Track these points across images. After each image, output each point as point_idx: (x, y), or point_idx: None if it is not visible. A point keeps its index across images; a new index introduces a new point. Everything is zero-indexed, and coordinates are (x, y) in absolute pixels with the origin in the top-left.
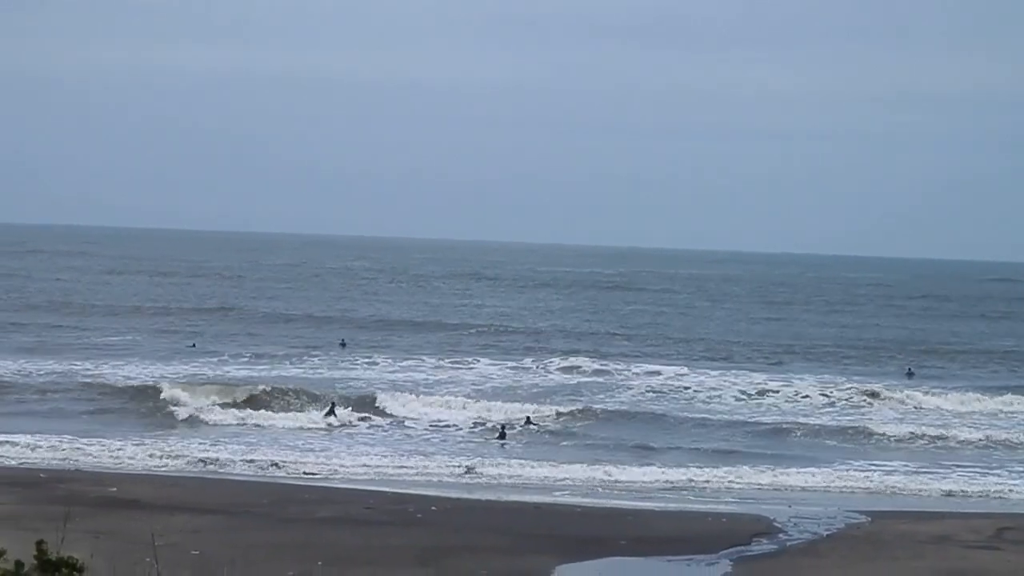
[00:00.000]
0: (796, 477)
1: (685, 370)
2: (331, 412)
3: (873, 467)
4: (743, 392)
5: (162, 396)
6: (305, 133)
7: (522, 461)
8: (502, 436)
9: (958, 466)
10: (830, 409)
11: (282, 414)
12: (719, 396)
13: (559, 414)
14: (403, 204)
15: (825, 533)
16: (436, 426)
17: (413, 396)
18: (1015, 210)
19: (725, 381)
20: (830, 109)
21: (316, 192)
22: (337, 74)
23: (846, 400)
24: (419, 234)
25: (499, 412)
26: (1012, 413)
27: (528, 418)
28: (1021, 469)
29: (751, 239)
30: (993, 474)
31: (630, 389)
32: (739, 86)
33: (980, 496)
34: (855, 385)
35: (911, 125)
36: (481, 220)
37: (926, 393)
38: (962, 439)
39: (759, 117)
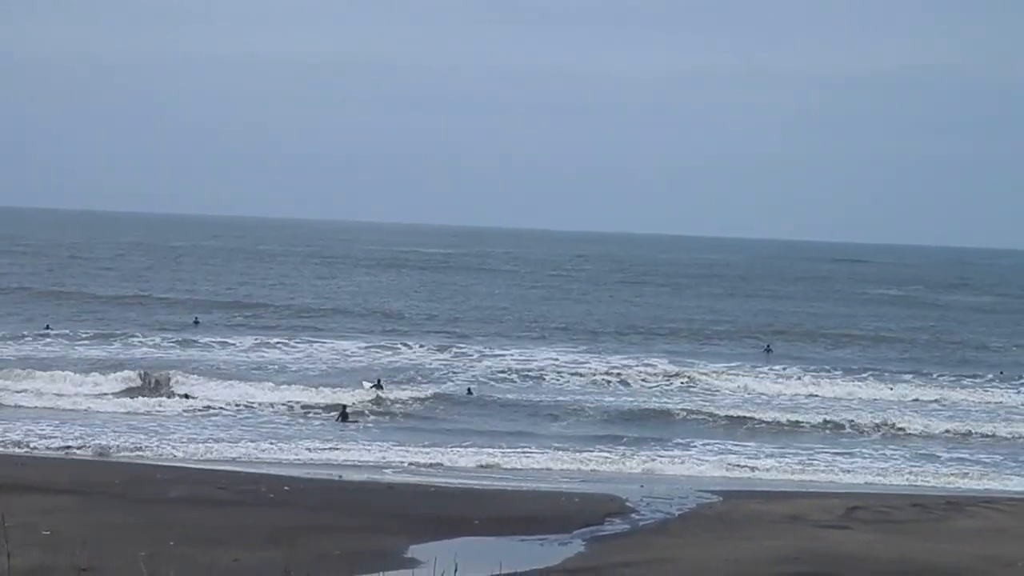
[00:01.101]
0: (650, 459)
1: (538, 351)
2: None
3: (726, 450)
4: (597, 373)
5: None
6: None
7: (368, 442)
8: (344, 418)
9: (808, 448)
10: (683, 391)
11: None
12: (573, 378)
13: (412, 398)
14: (260, 183)
15: (677, 513)
16: (248, 407)
17: (230, 380)
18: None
19: (578, 362)
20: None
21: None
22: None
23: (695, 381)
24: (280, 214)
25: (347, 395)
26: (855, 397)
27: (378, 396)
28: (870, 451)
29: (616, 221)
30: (844, 455)
31: (479, 370)
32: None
33: (830, 476)
34: (708, 367)
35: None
36: (344, 200)
37: (779, 377)
38: (816, 422)
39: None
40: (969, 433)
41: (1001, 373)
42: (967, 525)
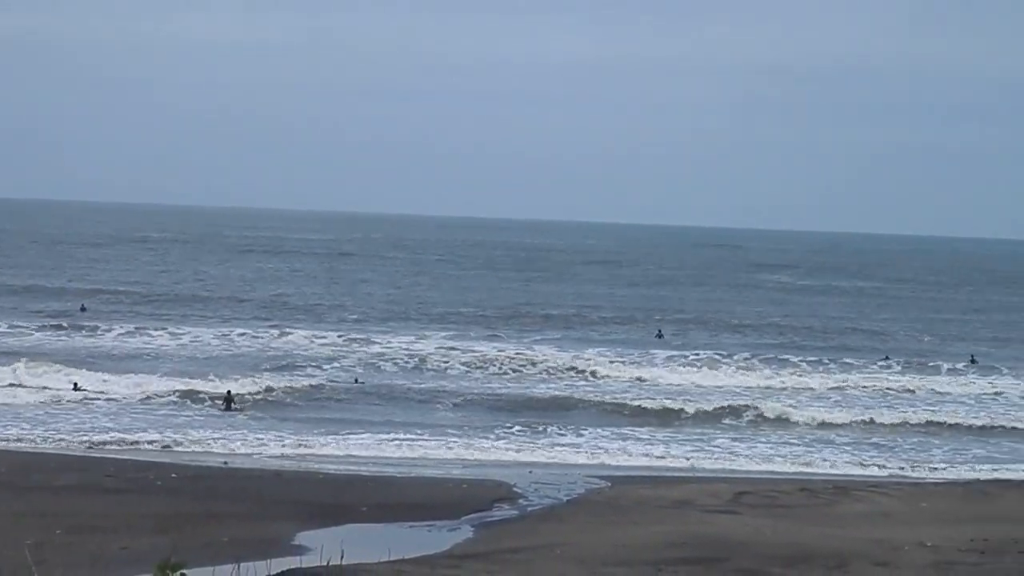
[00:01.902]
0: (539, 446)
1: (427, 338)
2: None
3: (618, 436)
4: (485, 360)
5: None
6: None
7: (254, 430)
8: (229, 405)
9: (699, 434)
10: (572, 377)
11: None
12: (461, 365)
13: (298, 385)
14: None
15: (565, 499)
16: (134, 394)
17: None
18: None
19: (467, 349)
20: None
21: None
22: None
23: (585, 367)
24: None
25: (233, 383)
26: (743, 385)
27: (268, 386)
28: (759, 438)
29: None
30: (735, 441)
31: (366, 357)
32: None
33: (719, 463)
34: (597, 353)
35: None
36: (243, 186)
37: (670, 363)
38: (708, 409)
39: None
40: (861, 420)
41: (886, 358)
42: (854, 509)
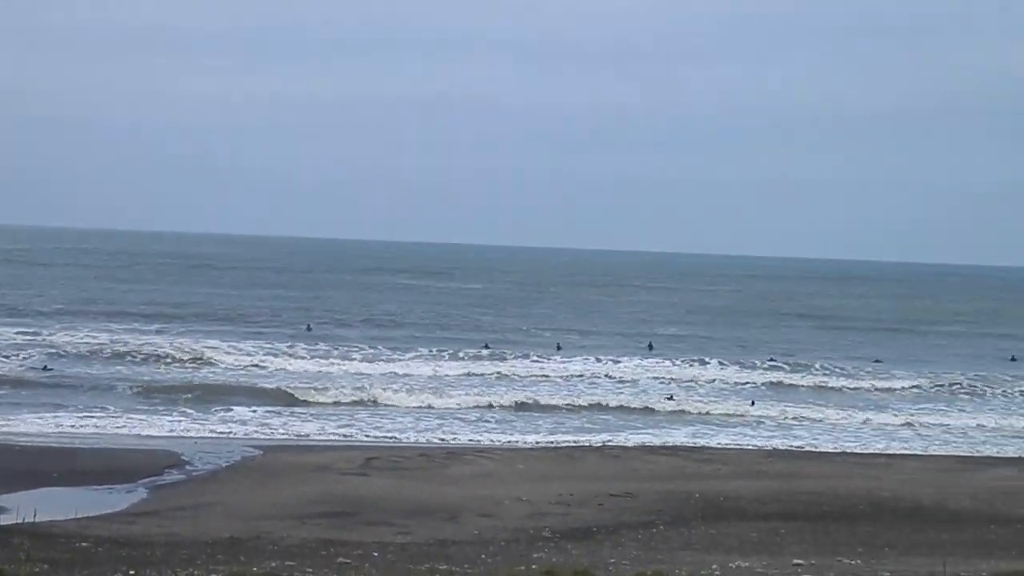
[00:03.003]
0: (203, 424)
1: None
2: None
3: (271, 414)
4: (157, 353)
5: None
6: None
7: None
8: None
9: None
10: (208, 365)
11: None
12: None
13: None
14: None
15: (225, 464)
16: None
17: None
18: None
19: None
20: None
21: None
22: None
23: (216, 358)
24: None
25: None
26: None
27: None
28: (398, 417)
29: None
30: (373, 418)
31: (56, 346)
32: None
33: (357, 434)
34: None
35: None
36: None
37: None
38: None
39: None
40: (479, 402)
41: (486, 346)
42: (464, 471)
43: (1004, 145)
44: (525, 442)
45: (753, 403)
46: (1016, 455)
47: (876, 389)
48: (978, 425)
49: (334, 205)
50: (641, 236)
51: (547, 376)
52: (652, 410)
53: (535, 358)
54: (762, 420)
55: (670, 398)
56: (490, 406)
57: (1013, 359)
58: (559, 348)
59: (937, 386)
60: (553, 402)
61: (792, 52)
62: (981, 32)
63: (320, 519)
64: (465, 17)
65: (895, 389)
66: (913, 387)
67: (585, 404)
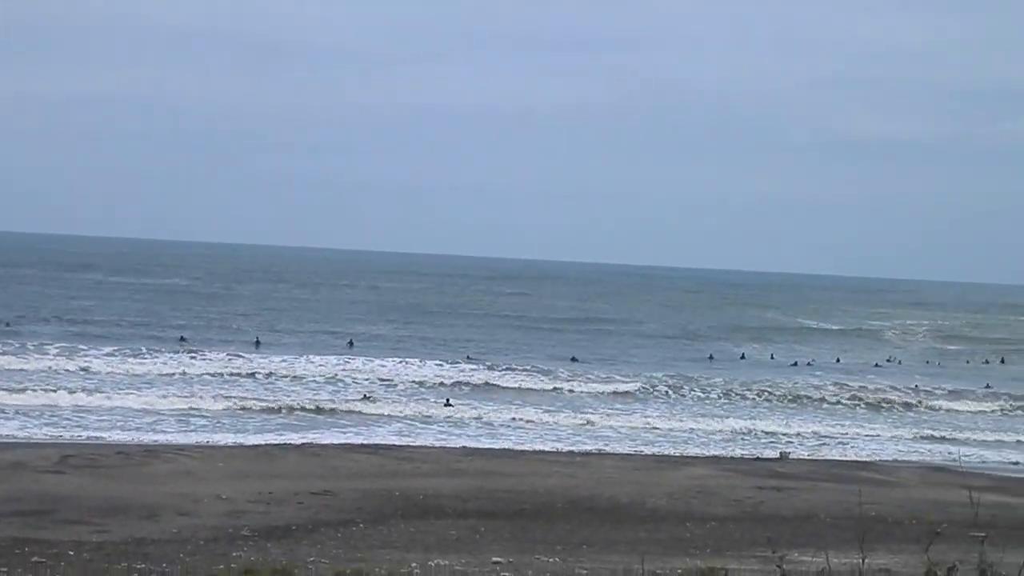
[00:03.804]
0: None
1: None
2: None
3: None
4: None
5: None
6: None
7: None
8: None
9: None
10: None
11: None
12: None
13: None
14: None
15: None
16: None
17: None
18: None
19: None
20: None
21: None
22: None
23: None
24: None
25: None
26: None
27: None
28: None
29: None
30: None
31: None
32: None
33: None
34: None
35: None
36: None
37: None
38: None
39: None
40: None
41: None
42: (163, 469)
43: None
44: (226, 441)
45: (448, 401)
46: (712, 454)
47: (573, 389)
48: (674, 424)
49: None
50: (344, 235)
51: (253, 374)
52: (352, 410)
53: (233, 353)
54: (460, 419)
55: (365, 397)
56: (192, 409)
57: (711, 358)
58: (258, 344)
59: (637, 386)
60: (256, 399)
61: None
62: None
63: (13, 517)
64: None
65: (593, 389)
66: (611, 387)
67: (284, 403)
